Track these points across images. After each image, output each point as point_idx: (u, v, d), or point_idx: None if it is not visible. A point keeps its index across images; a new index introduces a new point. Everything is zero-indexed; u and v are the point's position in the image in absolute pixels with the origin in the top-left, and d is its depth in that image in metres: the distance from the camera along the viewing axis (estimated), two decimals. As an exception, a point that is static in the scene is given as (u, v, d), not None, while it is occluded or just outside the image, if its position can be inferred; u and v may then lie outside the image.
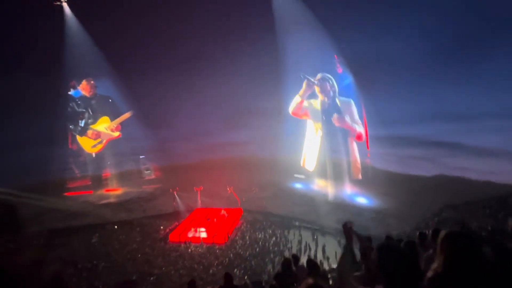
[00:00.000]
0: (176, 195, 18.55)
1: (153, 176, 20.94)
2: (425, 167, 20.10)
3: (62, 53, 18.78)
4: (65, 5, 19.15)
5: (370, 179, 17.83)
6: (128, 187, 20.42)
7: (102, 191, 19.77)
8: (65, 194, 19.08)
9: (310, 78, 18.15)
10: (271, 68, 19.50)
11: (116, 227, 15.73)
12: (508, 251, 1.76)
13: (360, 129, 18.02)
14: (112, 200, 18.86)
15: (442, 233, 1.13)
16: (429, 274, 1.09)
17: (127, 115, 19.97)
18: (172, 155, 21.79)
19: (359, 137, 18.14)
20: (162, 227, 15.95)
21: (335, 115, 18.00)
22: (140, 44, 20.63)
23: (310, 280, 0.95)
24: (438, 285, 1.04)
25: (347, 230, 1.51)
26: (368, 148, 18.20)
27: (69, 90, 19.81)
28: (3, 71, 17.20)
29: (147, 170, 20.95)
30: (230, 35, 20.87)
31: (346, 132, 18.22)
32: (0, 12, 16.53)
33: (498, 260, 1.48)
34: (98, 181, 20.02)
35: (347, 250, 1.42)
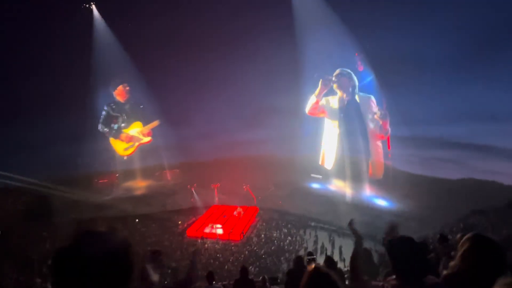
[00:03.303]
0: (194, 191, 18.99)
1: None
2: (451, 169, 19.03)
3: (91, 56, 19.69)
4: (93, 7, 20.03)
5: (390, 181, 17.17)
6: (151, 181, 21.12)
7: (126, 184, 20.59)
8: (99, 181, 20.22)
9: (325, 75, 17.47)
10: (290, 67, 19.33)
11: (137, 220, 16.41)
12: None
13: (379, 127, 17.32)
14: (134, 194, 19.62)
15: (469, 234, 1.11)
16: (447, 271, 1.08)
17: (155, 123, 20.52)
18: (191, 152, 22.31)
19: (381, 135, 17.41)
20: (180, 222, 16.42)
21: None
22: (162, 44, 21.21)
23: (312, 266, 0.97)
24: (452, 283, 1.03)
25: (352, 228, 1.51)
26: (389, 148, 17.50)
27: (105, 94, 20.59)
28: (33, 72, 18.36)
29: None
30: (249, 34, 20.97)
31: (367, 130, 17.55)
32: (33, 15, 17.52)
33: None
34: (124, 176, 20.88)
35: (358, 248, 1.43)
